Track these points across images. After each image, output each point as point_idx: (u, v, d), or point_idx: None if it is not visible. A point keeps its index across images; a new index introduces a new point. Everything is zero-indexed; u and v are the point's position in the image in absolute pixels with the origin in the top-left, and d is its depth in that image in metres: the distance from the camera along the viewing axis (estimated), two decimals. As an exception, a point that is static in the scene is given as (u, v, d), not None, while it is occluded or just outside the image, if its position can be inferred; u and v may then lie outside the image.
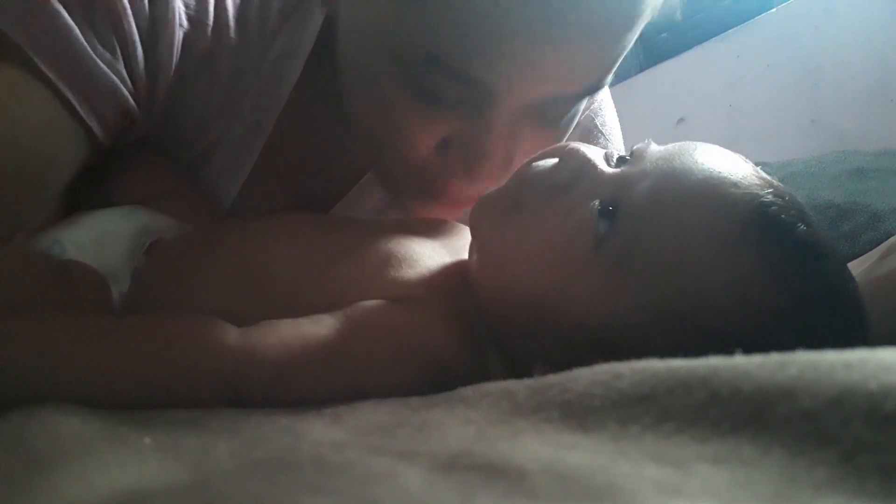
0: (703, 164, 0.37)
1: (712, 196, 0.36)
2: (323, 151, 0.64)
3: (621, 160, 0.42)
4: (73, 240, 0.46)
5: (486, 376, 0.37)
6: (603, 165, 0.41)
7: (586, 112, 0.72)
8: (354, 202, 0.66)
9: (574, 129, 0.72)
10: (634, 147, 0.42)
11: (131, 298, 0.45)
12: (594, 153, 0.42)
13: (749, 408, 0.22)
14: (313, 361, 0.37)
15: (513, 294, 0.40)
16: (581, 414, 0.25)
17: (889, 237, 0.73)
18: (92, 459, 0.24)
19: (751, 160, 0.41)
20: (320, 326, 0.38)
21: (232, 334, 0.36)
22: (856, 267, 0.59)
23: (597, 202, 0.38)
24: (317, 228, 0.49)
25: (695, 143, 0.40)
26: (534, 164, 0.44)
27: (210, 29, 0.54)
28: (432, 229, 0.50)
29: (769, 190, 0.36)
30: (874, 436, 0.19)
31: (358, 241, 0.45)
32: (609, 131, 0.74)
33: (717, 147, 0.40)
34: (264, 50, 0.56)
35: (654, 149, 0.41)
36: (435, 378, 0.37)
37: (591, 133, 0.72)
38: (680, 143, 0.41)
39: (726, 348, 0.31)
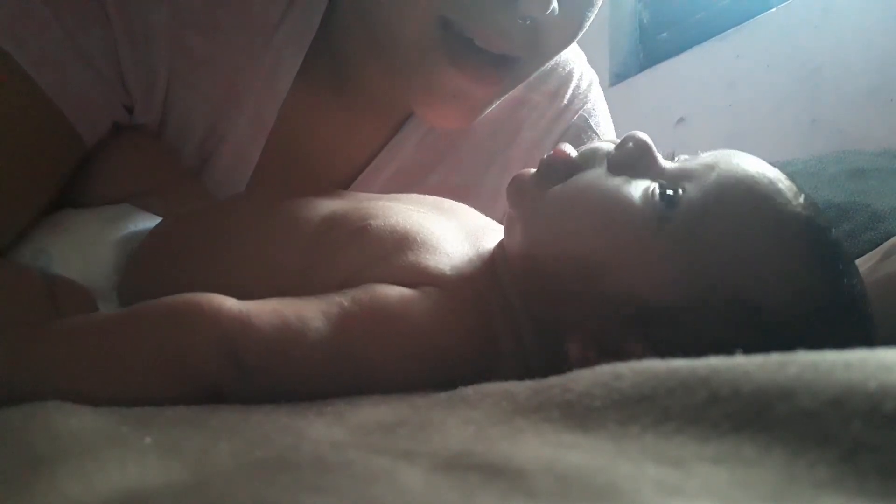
0: (752, 165, 0.41)
1: (768, 192, 0.39)
2: (325, 142, 0.64)
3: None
4: (59, 250, 0.46)
5: (496, 372, 0.37)
6: (659, 156, 0.42)
7: (580, 112, 0.73)
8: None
9: (568, 130, 0.73)
10: (679, 156, 0.44)
11: (126, 283, 0.45)
12: (652, 142, 0.43)
13: (749, 408, 0.22)
14: (310, 333, 0.36)
15: (562, 260, 0.40)
16: (581, 414, 0.25)
17: (889, 237, 0.73)
18: (92, 459, 0.24)
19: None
20: (324, 303, 0.37)
21: (229, 303, 0.36)
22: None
23: (660, 184, 0.40)
24: (327, 206, 0.48)
25: (737, 152, 0.43)
26: (592, 144, 0.45)
27: (208, 28, 0.54)
28: (447, 209, 0.49)
29: (802, 195, 0.40)
30: (874, 435, 0.19)
31: (372, 220, 0.44)
32: (603, 132, 0.74)
33: (755, 158, 0.43)
34: (267, 41, 0.56)
35: (702, 155, 0.43)
36: (439, 373, 0.37)
37: (585, 133, 0.73)
38: (722, 150, 0.43)
39: (772, 328, 0.36)
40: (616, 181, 0.41)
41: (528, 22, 0.50)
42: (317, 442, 0.27)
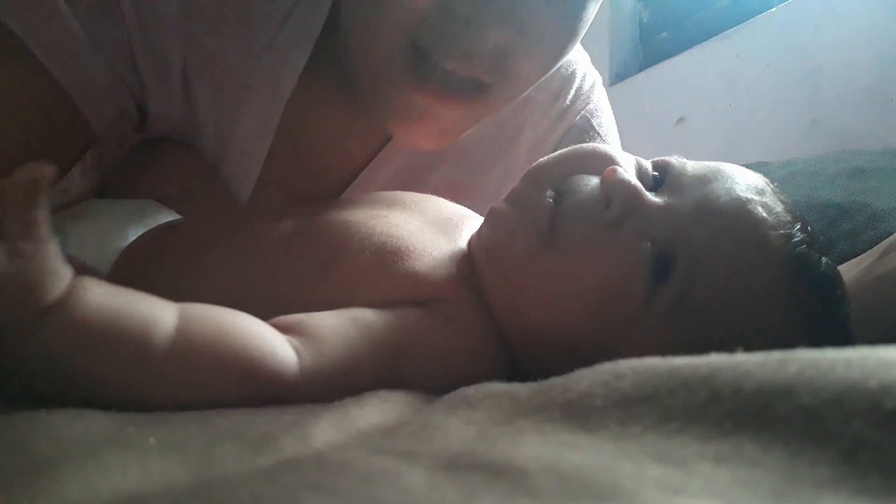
0: (745, 205, 0.39)
1: (757, 244, 0.38)
2: (328, 140, 0.64)
3: (656, 178, 0.42)
4: (76, 232, 0.46)
5: (506, 370, 0.38)
6: (647, 194, 0.40)
7: (582, 113, 0.73)
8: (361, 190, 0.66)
9: (570, 130, 0.73)
10: (667, 164, 0.42)
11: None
12: (636, 180, 0.40)
13: (750, 406, 0.22)
14: (369, 373, 0.36)
15: (540, 330, 0.40)
16: (583, 414, 0.25)
17: (889, 236, 0.73)
18: (94, 462, 0.24)
19: (751, 160, 0.43)
20: (371, 344, 0.37)
21: (304, 362, 0.34)
22: (855, 265, 0.59)
23: (649, 245, 0.38)
24: (299, 221, 0.48)
25: (727, 171, 0.41)
26: (572, 186, 0.41)
27: (214, 23, 0.54)
28: (411, 204, 0.49)
29: (798, 226, 0.39)
30: (875, 434, 0.19)
31: (349, 239, 0.44)
32: (606, 132, 0.74)
33: (746, 174, 0.42)
34: (271, 40, 0.56)
35: (690, 173, 0.41)
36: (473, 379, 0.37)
37: (587, 133, 0.73)
38: (714, 170, 0.41)
39: None
40: (599, 250, 0.38)
41: (493, 47, 0.49)
42: (319, 442, 0.27)
